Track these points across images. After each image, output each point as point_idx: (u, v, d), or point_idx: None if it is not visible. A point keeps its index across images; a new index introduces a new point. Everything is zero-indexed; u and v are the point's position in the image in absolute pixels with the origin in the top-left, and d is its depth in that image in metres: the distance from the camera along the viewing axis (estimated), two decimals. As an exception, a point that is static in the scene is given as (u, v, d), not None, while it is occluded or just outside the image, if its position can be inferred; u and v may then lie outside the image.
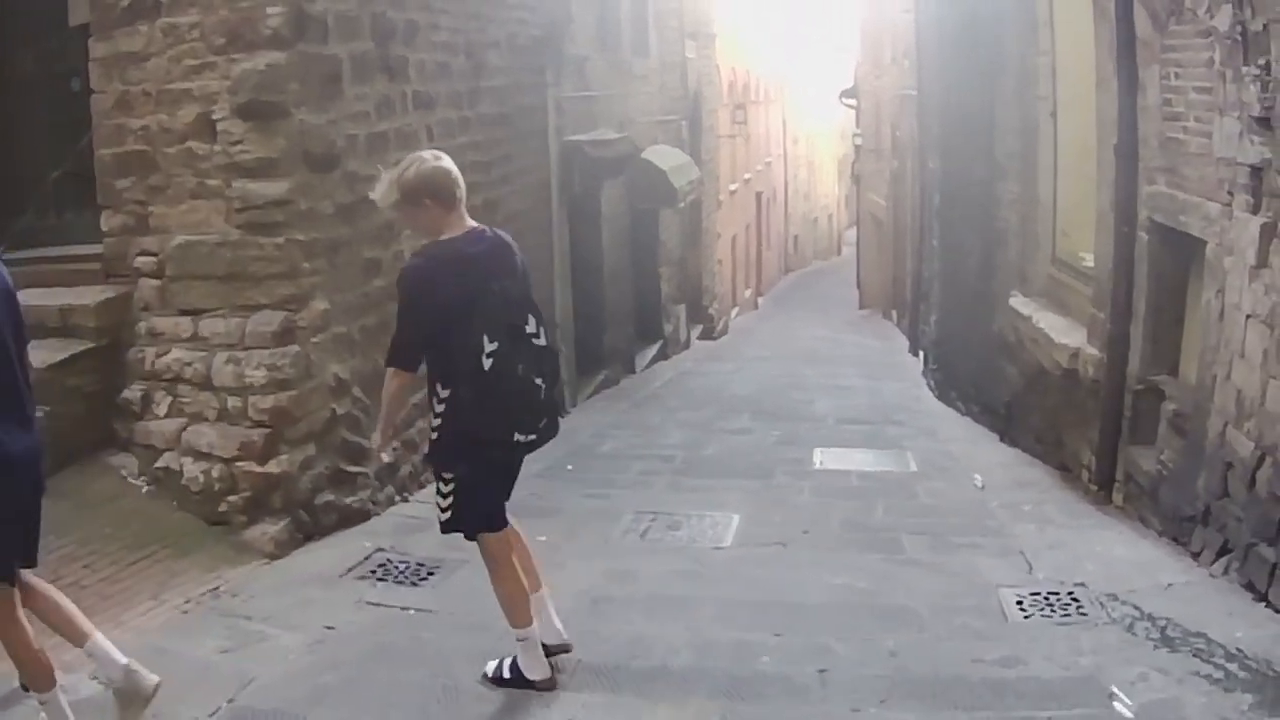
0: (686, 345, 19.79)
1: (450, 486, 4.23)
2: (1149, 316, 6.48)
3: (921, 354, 16.02)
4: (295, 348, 6.13)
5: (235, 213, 6.09)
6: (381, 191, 4.15)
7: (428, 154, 4.18)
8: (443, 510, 4.28)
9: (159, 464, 6.18)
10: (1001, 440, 9.78)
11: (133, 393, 6.37)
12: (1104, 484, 6.90)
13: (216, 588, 5.33)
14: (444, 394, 4.13)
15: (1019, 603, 5.29)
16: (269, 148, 6.03)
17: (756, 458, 9.48)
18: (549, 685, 4.33)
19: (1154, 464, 6.23)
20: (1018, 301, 9.21)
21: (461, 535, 4.36)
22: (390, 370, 4.25)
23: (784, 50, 37.98)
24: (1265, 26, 4.81)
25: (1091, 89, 7.29)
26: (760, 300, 33.23)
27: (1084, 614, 5.10)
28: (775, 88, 36.56)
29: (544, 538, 6.50)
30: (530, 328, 4.15)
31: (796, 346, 21.73)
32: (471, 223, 4.19)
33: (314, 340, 6.25)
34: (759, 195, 33.66)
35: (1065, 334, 7.93)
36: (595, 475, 8.58)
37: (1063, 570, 5.71)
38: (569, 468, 8.82)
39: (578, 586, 5.61)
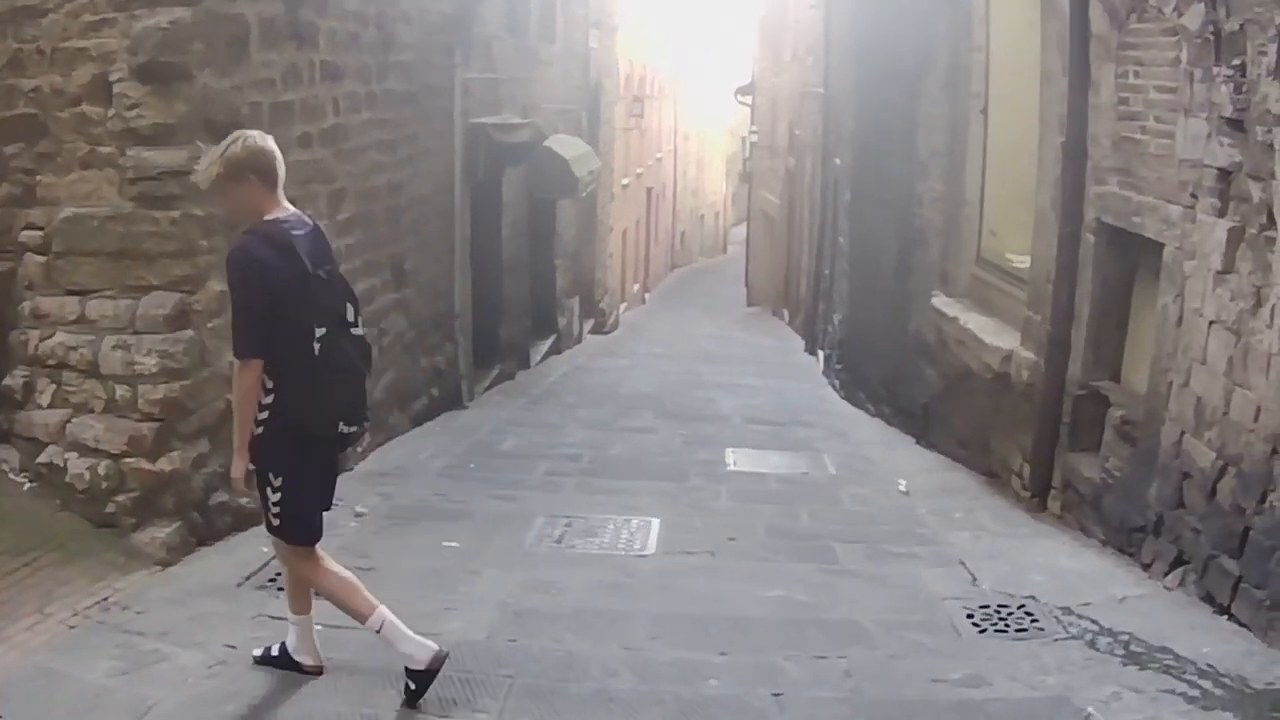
0: (579, 339, 19.50)
1: (278, 495, 3.99)
2: (1092, 320, 6.30)
3: (822, 354, 15.89)
4: (189, 333, 5.75)
5: (128, 183, 5.68)
6: (204, 167, 3.98)
7: (254, 132, 4.05)
8: (275, 518, 4.03)
9: (42, 459, 5.73)
10: (919, 443, 9.60)
11: (14, 379, 5.93)
12: (1039, 491, 6.73)
13: (106, 599, 4.88)
14: (269, 384, 3.89)
15: (969, 617, 5.12)
16: (168, 113, 5.63)
17: (667, 458, 9.18)
18: (317, 671, 4.26)
19: (1098, 472, 6.06)
20: (941, 301, 9.03)
21: (301, 541, 4.14)
22: (239, 364, 3.91)
23: (680, 46, 37.82)
24: (1241, 26, 4.63)
25: (1030, 86, 7.11)
26: (648, 296, 33.05)
27: (1040, 629, 4.93)
28: (670, 83, 36.39)
29: (455, 544, 6.20)
30: (350, 316, 4.05)
31: (690, 343, 21.57)
32: (291, 207, 4.04)
33: (209, 325, 5.84)
34: (650, 190, 33.46)
35: (996, 336, 7.76)
36: (501, 475, 8.20)
37: (1009, 582, 5.54)
38: (471, 466, 8.49)
39: (497, 597, 5.30)
